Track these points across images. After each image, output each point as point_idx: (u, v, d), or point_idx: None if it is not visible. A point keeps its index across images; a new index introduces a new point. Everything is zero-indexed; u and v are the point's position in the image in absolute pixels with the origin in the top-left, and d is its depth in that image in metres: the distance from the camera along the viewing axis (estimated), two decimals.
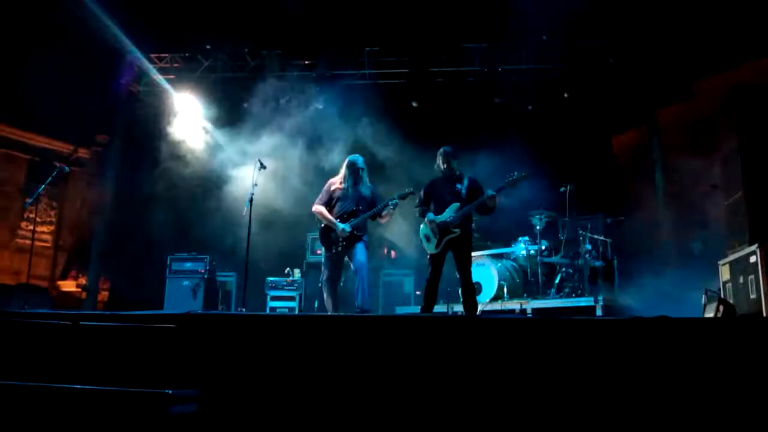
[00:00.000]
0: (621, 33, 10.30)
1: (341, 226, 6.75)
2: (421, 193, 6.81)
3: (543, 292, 8.89)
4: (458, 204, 6.53)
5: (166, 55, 11.34)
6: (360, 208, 6.86)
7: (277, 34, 10.54)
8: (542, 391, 3.89)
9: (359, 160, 7.04)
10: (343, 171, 7.06)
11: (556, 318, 5.74)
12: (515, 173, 6.66)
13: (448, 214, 6.51)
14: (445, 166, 6.73)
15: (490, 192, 6.47)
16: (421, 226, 6.73)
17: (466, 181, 6.66)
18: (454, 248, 6.55)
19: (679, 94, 9.58)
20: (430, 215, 6.58)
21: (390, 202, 6.82)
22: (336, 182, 7.06)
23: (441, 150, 6.81)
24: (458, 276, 6.59)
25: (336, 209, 6.91)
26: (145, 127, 11.09)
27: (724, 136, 6.65)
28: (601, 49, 10.55)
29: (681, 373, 3.80)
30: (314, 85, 11.08)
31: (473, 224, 6.97)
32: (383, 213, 6.84)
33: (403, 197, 6.82)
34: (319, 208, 6.98)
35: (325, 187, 7.09)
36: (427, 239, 6.65)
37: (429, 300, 6.57)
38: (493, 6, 9.39)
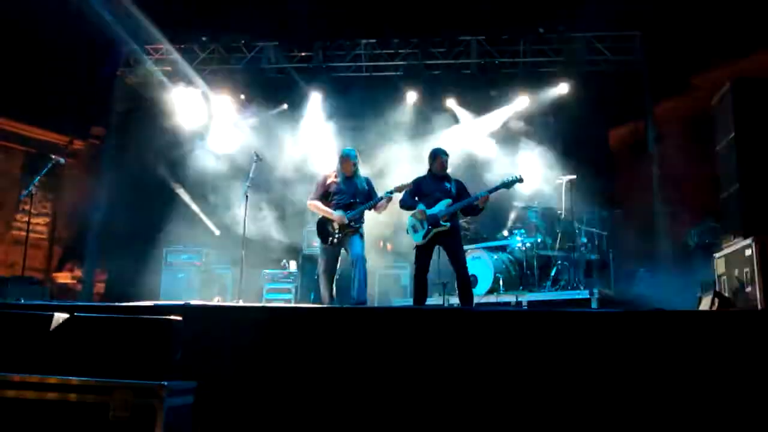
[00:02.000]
0: (618, 26, 10.30)
1: (338, 213, 6.76)
2: (409, 188, 6.84)
3: (539, 285, 8.91)
4: (449, 200, 6.61)
5: (162, 46, 11.30)
6: (357, 200, 6.87)
7: (274, 26, 10.51)
8: (538, 382, 3.90)
9: (352, 153, 7.04)
10: (337, 165, 7.06)
11: (551, 310, 5.75)
12: (511, 176, 6.79)
13: (438, 208, 6.57)
14: (436, 166, 6.79)
15: (482, 193, 6.56)
16: (409, 217, 6.78)
17: (453, 182, 6.77)
18: (444, 242, 6.61)
19: (676, 88, 9.59)
20: (421, 206, 6.63)
21: (386, 194, 6.83)
22: (330, 176, 7.06)
23: (433, 150, 6.89)
24: (452, 269, 6.62)
25: (333, 203, 6.92)
26: (141, 119, 11.05)
27: (721, 129, 6.65)
28: (599, 41, 10.54)
29: (676, 366, 3.82)
30: (311, 76, 11.08)
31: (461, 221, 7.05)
32: (379, 204, 6.86)
33: (399, 189, 6.84)
34: (314, 202, 7.00)
35: (320, 181, 7.09)
36: (414, 230, 6.70)
37: (420, 292, 6.60)
38: None
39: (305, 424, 4.01)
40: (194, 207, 11.05)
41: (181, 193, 11.01)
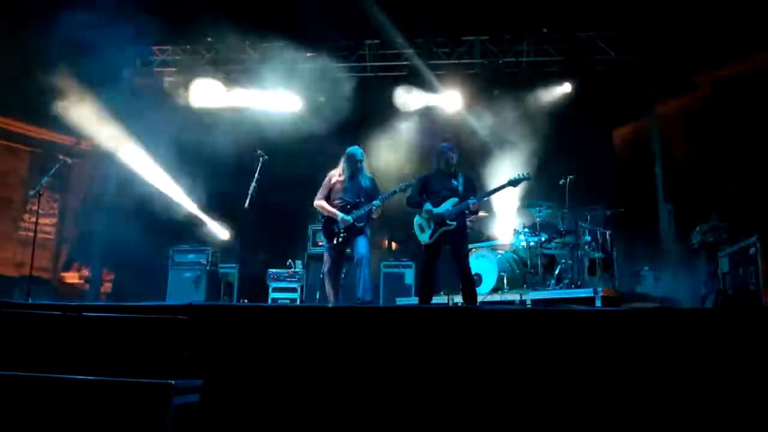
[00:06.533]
0: (622, 25, 10.29)
1: (342, 215, 6.80)
2: (415, 184, 6.87)
3: (543, 284, 8.92)
4: (456, 199, 6.64)
5: (168, 47, 11.34)
6: (361, 200, 6.90)
7: (279, 26, 10.53)
8: (542, 381, 3.92)
9: (358, 152, 7.07)
10: (342, 164, 7.09)
11: (555, 309, 5.77)
12: (518, 174, 6.83)
13: (445, 207, 6.61)
14: (443, 163, 6.81)
15: (471, 200, 6.62)
16: (416, 216, 6.81)
17: (461, 178, 6.78)
18: (450, 241, 6.63)
19: (680, 87, 9.57)
20: (428, 205, 6.65)
21: (390, 193, 6.87)
22: (335, 175, 7.10)
23: (440, 147, 6.91)
24: (456, 268, 6.65)
25: (337, 202, 6.95)
26: (147, 119, 11.09)
27: (724, 127, 6.68)
28: (602, 41, 10.54)
29: (680, 364, 3.82)
30: (315, 76, 11.10)
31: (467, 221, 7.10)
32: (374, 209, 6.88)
33: (404, 190, 6.87)
34: (320, 202, 7.05)
35: (325, 181, 7.13)
36: (421, 229, 6.74)
37: (426, 291, 6.64)
38: None
39: (309, 423, 4.03)
40: (200, 212, 11.13)
41: (187, 190, 11.06)
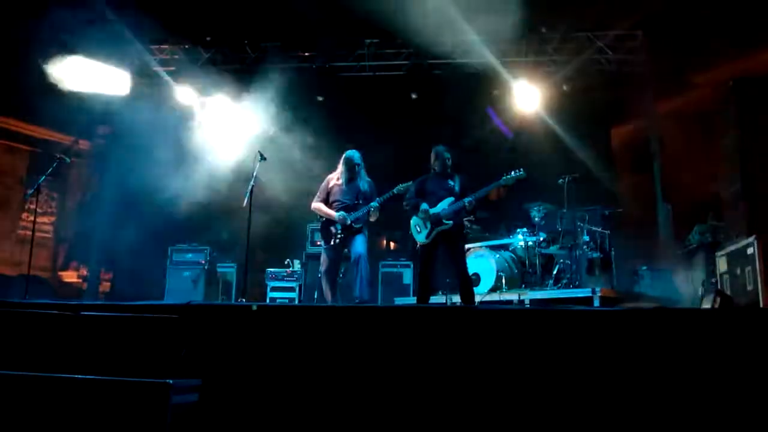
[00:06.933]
0: (620, 25, 10.28)
1: (339, 215, 6.81)
2: (412, 187, 6.88)
3: (541, 284, 8.93)
4: (452, 198, 6.66)
5: (167, 46, 11.32)
6: (359, 202, 6.92)
7: (278, 25, 10.51)
8: (540, 380, 3.92)
9: (356, 155, 7.09)
10: (340, 167, 7.10)
11: (554, 309, 5.78)
12: (513, 172, 6.82)
13: (441, 206, 6.63)
14: (439, 164, 6.83)
15: (468, 199, 6.60)
16: (413, 216, 6.83)
17: (457, 179, 6.81)
18: (446, 241, 6.66)
19: (678, 87, 9.56)
20: (425, 205, 6.67)
21: (388, 195, 6.88)
22: (333, 178, 7.12)
23: (436, 149, 6.92)
24: (453, 268, 6.67)
25: (335, 205, 6.97)
26: (146, 119, 11.07)
27: (723, 127, 6.67)
28: (602, 41, 10.53)
29: (678, 364, 3.82)
30: (314, 76, 11.10)
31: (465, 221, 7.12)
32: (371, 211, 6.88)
33: (402, 191, 6.88)
34: (317, 204, 7.09)
35: (323, 184, 7.16)
36: (418, 229, 6.76)
37: (423, 291, 6.65)
38: None
39: (308, 423, 4.03)
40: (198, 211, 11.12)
41: (185, 190, 11.05)
